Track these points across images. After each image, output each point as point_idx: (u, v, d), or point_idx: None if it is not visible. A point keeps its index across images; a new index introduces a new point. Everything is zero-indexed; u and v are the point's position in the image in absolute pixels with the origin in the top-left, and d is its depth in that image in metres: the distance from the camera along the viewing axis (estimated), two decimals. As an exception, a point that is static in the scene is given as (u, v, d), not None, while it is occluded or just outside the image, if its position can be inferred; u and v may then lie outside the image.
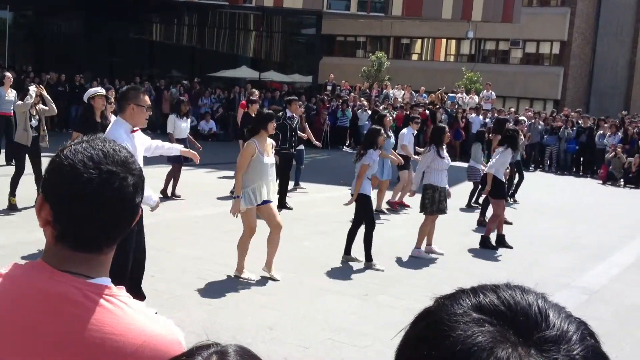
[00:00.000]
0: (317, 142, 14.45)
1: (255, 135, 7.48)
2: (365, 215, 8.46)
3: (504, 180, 10.31)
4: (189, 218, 10.31)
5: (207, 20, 31.37)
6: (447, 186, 9.30)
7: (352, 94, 27.13)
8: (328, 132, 24.09)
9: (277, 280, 7.60)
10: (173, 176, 12.23)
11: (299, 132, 12.42)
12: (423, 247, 9.33)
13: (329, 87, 28.34)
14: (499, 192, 10.12)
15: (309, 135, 13.81)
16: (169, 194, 12.19)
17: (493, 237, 10.17)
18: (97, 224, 1.43)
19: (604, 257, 10.15)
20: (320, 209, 12.16)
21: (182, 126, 12.36)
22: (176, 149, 6.79)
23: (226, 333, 5.63)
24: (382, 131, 8.92)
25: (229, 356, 0.98)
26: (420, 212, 9.34)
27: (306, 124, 14.61)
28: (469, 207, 13.42)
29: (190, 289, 7.03)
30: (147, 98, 5.93)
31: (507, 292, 0.79)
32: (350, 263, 8.52)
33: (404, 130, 12.80)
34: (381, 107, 23.71)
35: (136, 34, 32.23)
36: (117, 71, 28.63)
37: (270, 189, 7.46)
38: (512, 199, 14.45)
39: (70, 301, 1.40)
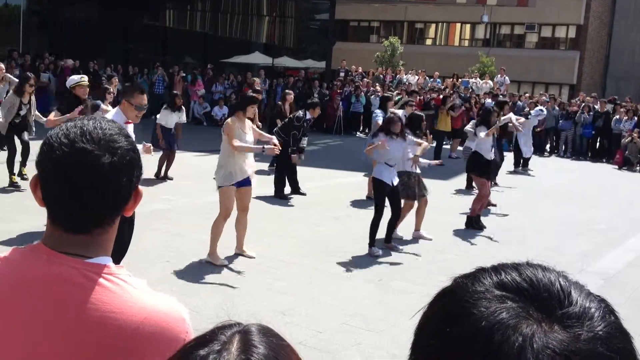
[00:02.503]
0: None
1: (234, 115, 7.69)
2: (376, 201, 8.43)
3: (489, 159, 10.35)
4: (203, 204, 10.34)
5: (220, 6, 31.32)
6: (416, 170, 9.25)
7: (365, 79, 27.00)
8: (341, 118, 24.05)
9: (254, 258, 7.70)
10: (166, 159, 12.63)
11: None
12: (421, 230, 9.48)
13: (342, 74, 28.24)
14: (483, 170, 10.24)
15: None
16: (162, 176, 12.61)
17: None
18: (76, 203, 1.39)
19: (620, 242, 10.10)
20: (334, 195, 12.16)
21: (173, 119, 12.73)
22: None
23: (241, 318, 5.65)
24: (398, 117, 8.74)
25: (251, 335, 0.97)
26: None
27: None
28: (468, 189, 13.36)
29: (205, 274, 7.07)
30: (140, 98, 6.33)
31: (528, 270, 0.79)
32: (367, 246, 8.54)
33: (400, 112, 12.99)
34: (395, 93, 23.61)
35: (150, 20, 32.25)
36: (131, 58, 28.70)
37: (251, 164, 7.57)
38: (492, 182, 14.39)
39: (68, 282, 1.38)
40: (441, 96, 23.06)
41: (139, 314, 1.39)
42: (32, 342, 1.37)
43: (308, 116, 11.66)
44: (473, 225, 10.22)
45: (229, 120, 7.68)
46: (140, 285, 1.46)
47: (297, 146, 11.66)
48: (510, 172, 16.70)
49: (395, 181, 8.44)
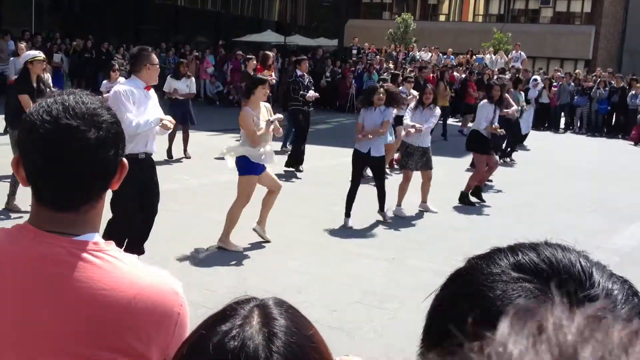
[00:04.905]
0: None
1: (248, 101, 7.30)
2: (352, 172, 8.73)
3: (488, 137, 10.30)
4: (216, 183, 10.36)
5: (232, -16, 31.15)
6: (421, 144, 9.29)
7: (378, 56, 26.79)
8: (354, 96, 23.92)
9: (269, 241, 7.51)
10: (183, 137, 12.50)
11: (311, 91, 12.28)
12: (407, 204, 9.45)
13: (354, 51, 28.02)
14: (483, 148, 10.20)
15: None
16: (183, 155, 12.56)
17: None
18: (63, 181, 1.37)
19: (636, 219, 10.01)
20: (348, 174, 12.10)
21: (179, 87, 12.46)
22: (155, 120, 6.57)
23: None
24: (379, 90, 8.75)
25: (269, 308, 1.00)
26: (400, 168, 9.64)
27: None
28: (472, 167, 13.26)
29: (218, 253, 7.09)
30: (154, 54, 6.39)
31: (547, 250, 0.75)
32: (381, 224, 8.53)
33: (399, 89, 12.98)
34: (408, 70, 23.44)
35: (161, -1, 32.18)
36: (142, 37, 28.63)
37: (267, 151, 7.30)
38: (508, 159, 14.46)
39: (55, 261, 1.36)
40: (454, 73, 22.90)
41: (130, 289, 1.37)
42: (21, 321, 1.35)
43: (299, 73, 12.13)
44: (465, 201, 10.11)
45: (241, 111, 7.26)
46: (130, 260, 1.44)
47: (300, 105, 12.07)
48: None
49: (377, 152, 8.62)
